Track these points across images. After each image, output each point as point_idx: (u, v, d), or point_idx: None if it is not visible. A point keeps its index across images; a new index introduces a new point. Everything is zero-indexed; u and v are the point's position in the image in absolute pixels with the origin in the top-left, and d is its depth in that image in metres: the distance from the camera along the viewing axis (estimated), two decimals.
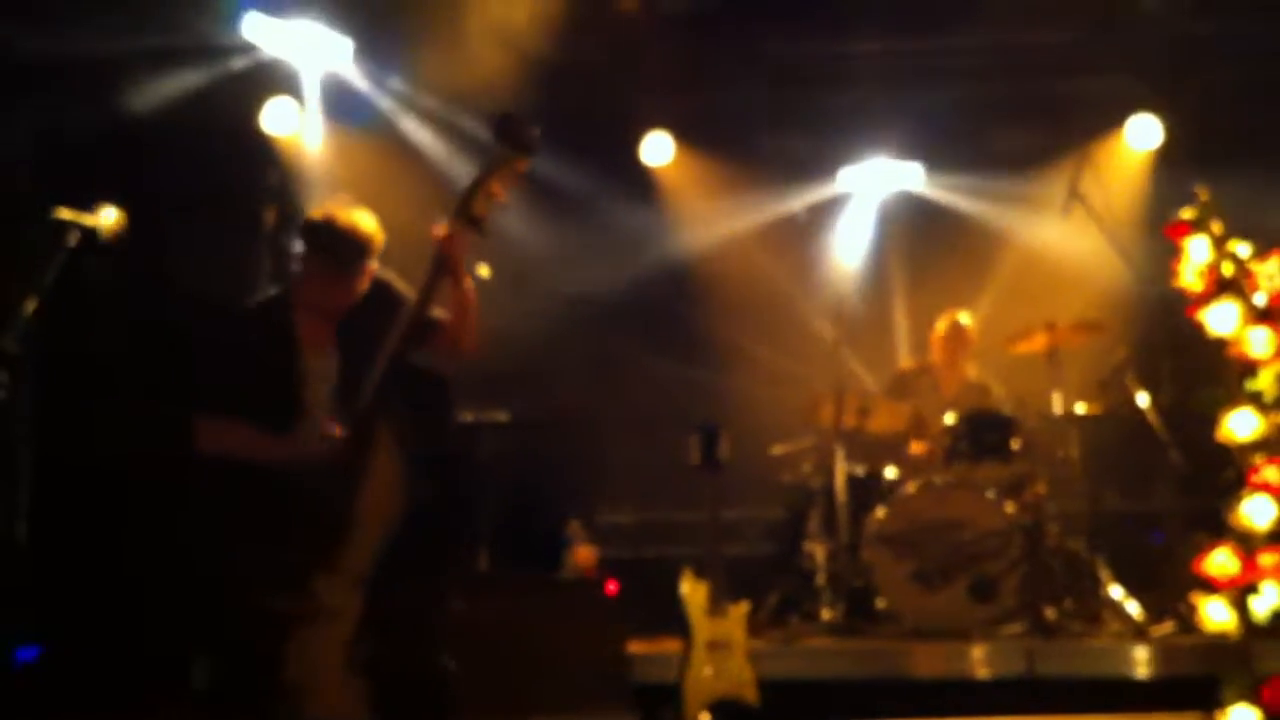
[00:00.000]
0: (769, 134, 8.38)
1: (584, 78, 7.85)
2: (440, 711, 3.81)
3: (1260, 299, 3.85)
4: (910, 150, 8.24)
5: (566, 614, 5.25)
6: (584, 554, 6.23)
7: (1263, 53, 7.73)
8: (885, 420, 7.09)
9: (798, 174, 8.41)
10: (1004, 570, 6.34)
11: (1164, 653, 5.74)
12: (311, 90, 7.79)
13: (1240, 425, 3.75)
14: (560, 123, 8.06)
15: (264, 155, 7.50)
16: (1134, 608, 6.28)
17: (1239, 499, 3.68)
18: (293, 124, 7.86)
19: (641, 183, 8.48)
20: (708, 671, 5.10)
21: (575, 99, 7.63)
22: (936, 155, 8.31)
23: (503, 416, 6.74)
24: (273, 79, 7.71)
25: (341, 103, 7.87)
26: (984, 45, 7.96)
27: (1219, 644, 3.82)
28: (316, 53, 7.66)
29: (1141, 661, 5.79)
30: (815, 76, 8.23)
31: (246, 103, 7.72)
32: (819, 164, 8.41)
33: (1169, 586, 6.19)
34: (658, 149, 8.44)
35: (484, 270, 4.88)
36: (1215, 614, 3.72)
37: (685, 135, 8.42)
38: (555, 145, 7.96)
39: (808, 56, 8.21)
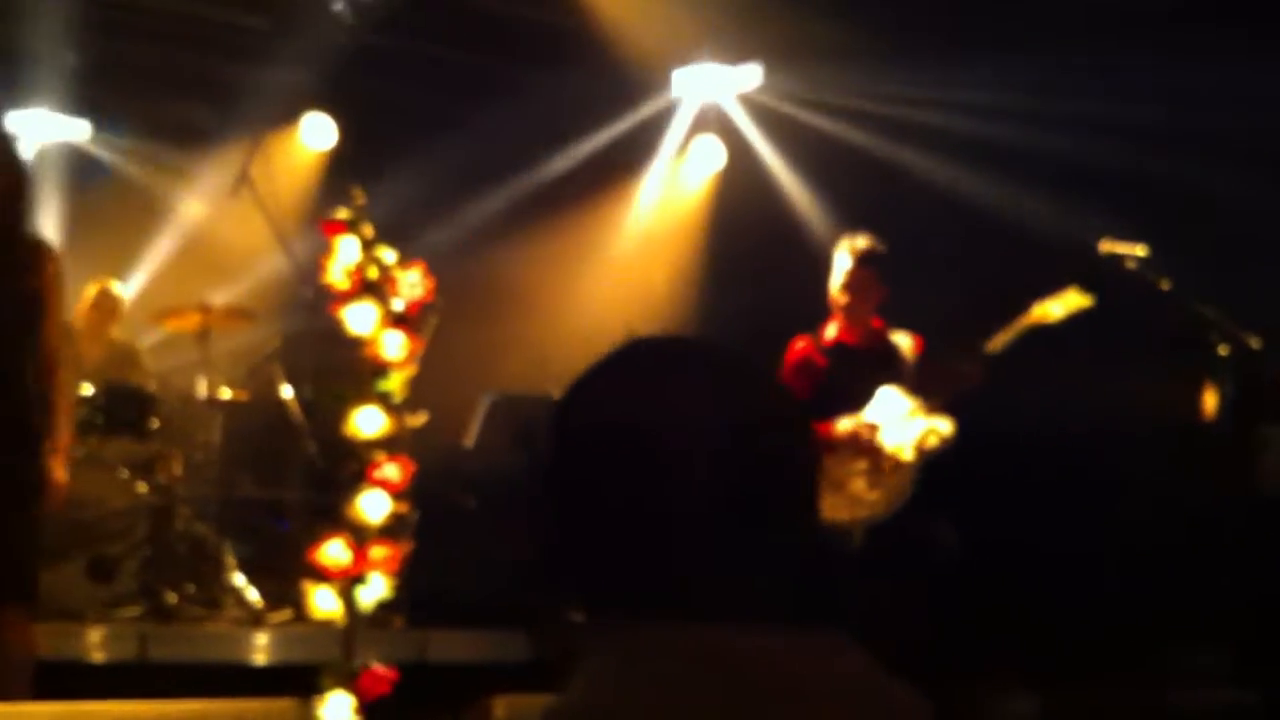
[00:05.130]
0: None
1: None
2: None
3: (399, 304, 4.03)
4: (75, 105, 7.79)
5: None
6: None
7: (429, 81, 8.24)
8: None
9: None
10: (126, 551, 6.15)
11: (279, 639, 5.87)
12: None
13: (366, 423, 3.90)
14: None
15: None
16: (255, 594, 6.36)
17: (357, 493, 3.84)
18: None
19: None
20: None
21: None
22: (109, 114, 7.93)
23: None
24: None
25: None
26: (167, 10, 7.73)
27: (325, 632, 3.96)
28: None
29: (257, 647, 5.87)
30: None
31: None
32: None
33: (291, 575, 6.34)
34: None
35: None
36: (324, 602, 3.85)
37: None
38: None
39: None
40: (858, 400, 5.07)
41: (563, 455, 1.35)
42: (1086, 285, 4.96)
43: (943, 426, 4.97)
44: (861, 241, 5.17)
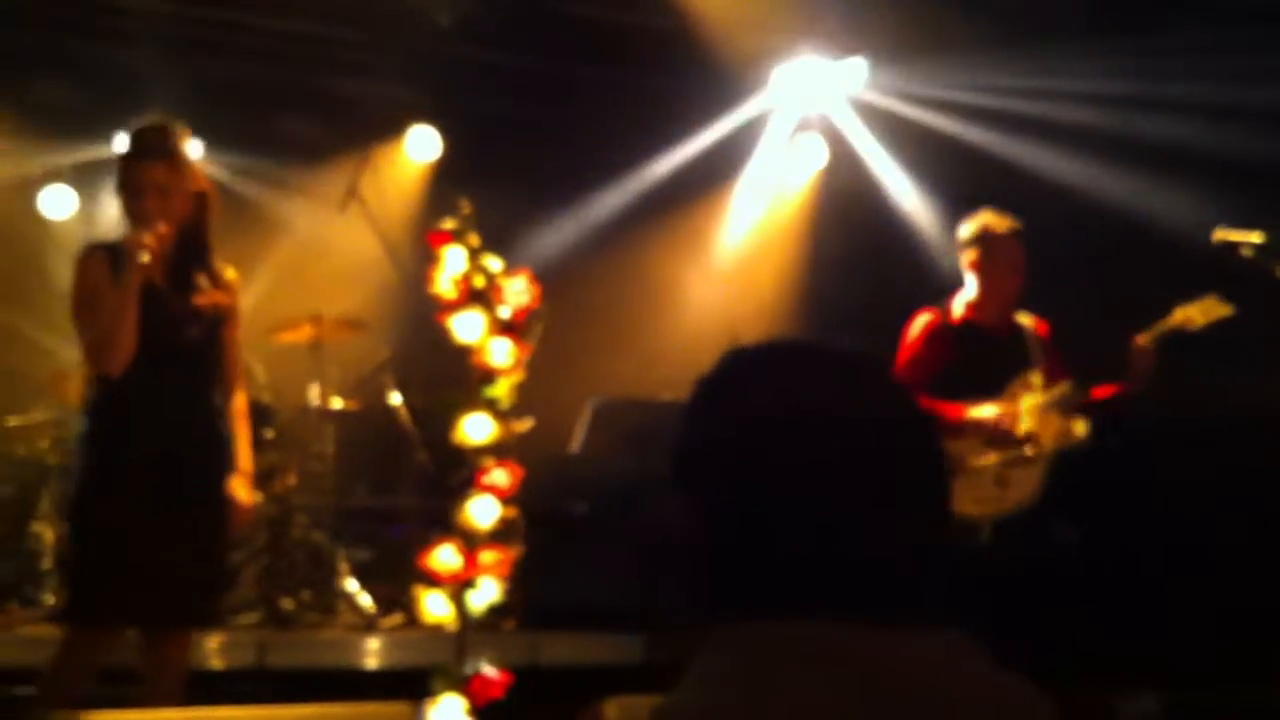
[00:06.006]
0: (36, 80, 7.75)
1: None
2: None
3: (505, 312, 4.07)
4: (186, 123, 7.94)
5: None
6: None
7: (530, 90, 8.29)
8: None
9: (68, 128, 7.86)
10: (245, 560, 6.27)
11: (392, 644, 5.94)
12: None
13: (475, 429, 3.94)
14: None
15: None
16: (368, 600, 6.45)
17: (467, 498, 3.87)
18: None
19: None
20: None
21: None
22: (217, 133, 8.08)
23: None
24: None
25: None
26: (271, 29, 7.85)
27: (437, 636, 4.00)
28: None
29: (371, 652, 5.96)
30: (89, 28, 7.71)
31: None
32: (91, 121, 7.91)
33: (404, 580, 6.42)
34: None
35: None
36: (435, 607, 3.88)
37: None
38: None
39: (81, 6, 7.70)
40: (989, 383, 4.85)
41: (694, 454, 1.35)
42: (1225, 292, 4.78)
43: (1078, 426, 4.81)
44: (1003, 218, 4.95)
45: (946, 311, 5.01)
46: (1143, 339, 4.77)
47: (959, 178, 7.22)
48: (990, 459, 4.79)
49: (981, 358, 4.89)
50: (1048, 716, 1.29)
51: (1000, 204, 5.09)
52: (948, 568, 1.32)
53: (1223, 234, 4.71)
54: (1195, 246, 4.94)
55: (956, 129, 7.39)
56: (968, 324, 4.98)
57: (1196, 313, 4.77)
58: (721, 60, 7.59)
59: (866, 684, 1.22)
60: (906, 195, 7.90)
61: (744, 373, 1.37)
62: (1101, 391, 4.87)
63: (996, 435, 4.78)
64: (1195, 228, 5.00)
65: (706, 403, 1.36)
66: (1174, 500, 5.77)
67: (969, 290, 4.99)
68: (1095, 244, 6.23)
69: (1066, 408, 4.82)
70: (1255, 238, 4.68)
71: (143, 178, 4.02)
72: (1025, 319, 5.04)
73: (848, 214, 8.22)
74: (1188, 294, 4.84)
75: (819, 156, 8.50)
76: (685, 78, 7.86)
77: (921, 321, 4.98)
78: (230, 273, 4.26)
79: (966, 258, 4.99)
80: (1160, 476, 5.79)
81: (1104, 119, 6.40)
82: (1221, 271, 4.80)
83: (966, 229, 5.00)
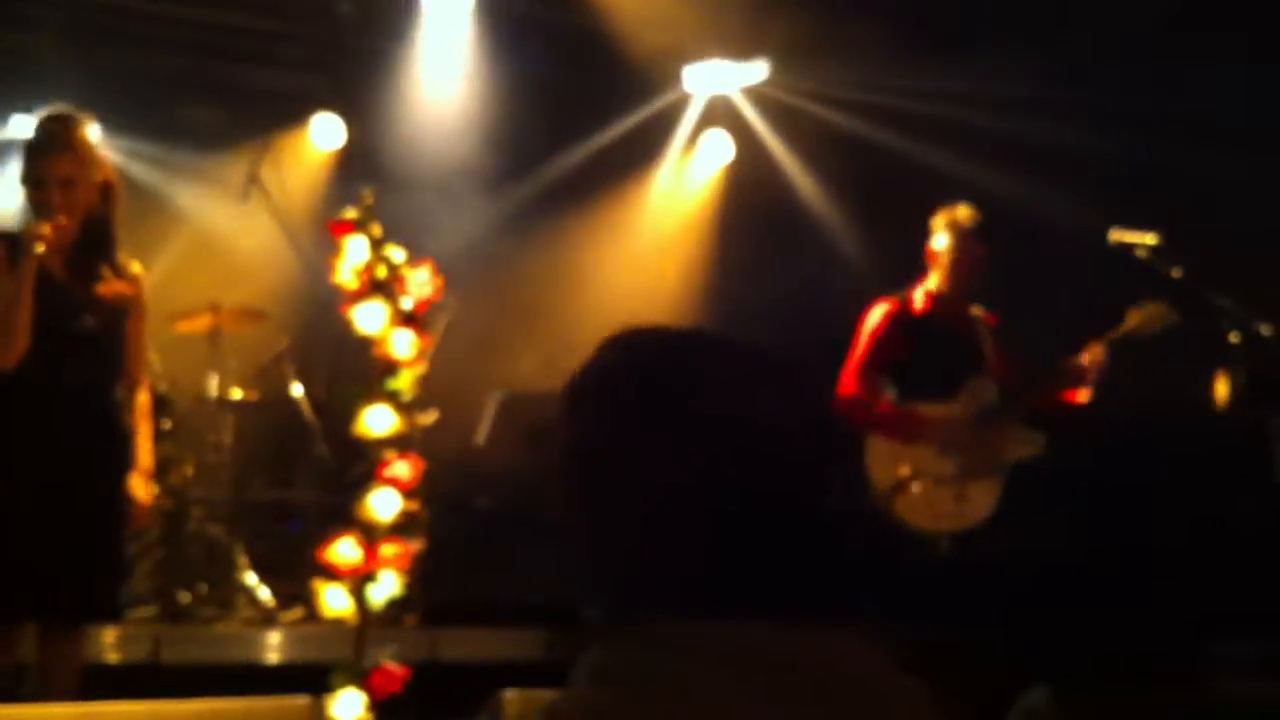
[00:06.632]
0: None
1: None
2: None
3: (407, 303, 4.03)
4: (85, 108, 7.78)
5: None
6: None
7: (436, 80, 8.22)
8: None
9: None
10: (140, 553, 6.16)
11: (291, 639, 5.87)
12: None
13: (376, 421, 3.90)
14: None
15: None
16: (267, 594, 6.37)
17: (368, 491, 3.83)
18: None
19: None
20: None
21: None
22: (117, 119, 7.92)
23: None
24: None
25: None
26: (173, 15, 7.71)
27: (337, 630, 3.97)
28: None
29: (269, 647, 5.88)
30: None
31: None
32: None
33: (303, 574, 6.34)
34: None
35: None
36: (334, 600, 3.85)
37: None
38: None
39: None
40: (946, 377, 4.85)
41: (581, 447, 1.33)
42: (1172, 303, 4.79)
43: (1035, 437, 4.80)
44: (972, 213, 4.93)
45: (908, 301, 4.98)
46: (1097, 344, 4.80)
47: (860, 174, 7.29)
48: (948, 468, 4.75)
49: (940, 351, 4.89)
50: (929, 713, 1.30)
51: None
52: (842, 567, 1.32)
53: (1118, 235, 4.79)
54: (1092, 247, 5.03)
55: (858, 127, 7.47)
56: (928, 315, 4.96)
57: (1149, 317, 4.78)
58: (630, 56, 7.60)
59: (752, 681, 1.22)
60: (810, 191, 7.98)
61: (637, 364, 1.35)
62: (1063, 398, 4.87)
63: (954, 442, 4.77)
64: (1092, 228, 5.09)
65: (596, 393, 1.35)
66: (1055, 498, 5.87)
67: (931, 281, 4.99)
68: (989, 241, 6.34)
69: (1021, 416, 4.82)
70: (1149, 239, 4.76)
71: (46, 171, 3.97)
72: (977, 311, 5.06)
73: (753, 208, 8.27)
74: (1091, 295, 4.91)
75: (725, 152, 8.56)
76: (593, 72, 7.85)
77: (882, 310, 4.95)
78: (136, 266, 4.21)
79: (934, 249, 4.97)
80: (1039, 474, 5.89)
81: (1001, 121, 6.51)
82: (1117, 272, 4.88)
83: (937, 221, 4.97)
